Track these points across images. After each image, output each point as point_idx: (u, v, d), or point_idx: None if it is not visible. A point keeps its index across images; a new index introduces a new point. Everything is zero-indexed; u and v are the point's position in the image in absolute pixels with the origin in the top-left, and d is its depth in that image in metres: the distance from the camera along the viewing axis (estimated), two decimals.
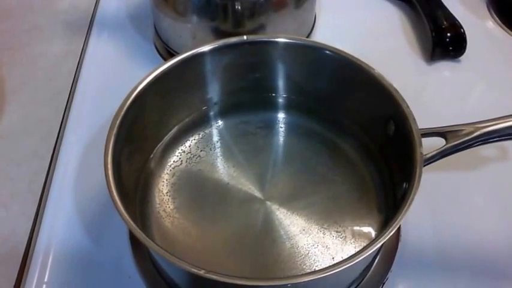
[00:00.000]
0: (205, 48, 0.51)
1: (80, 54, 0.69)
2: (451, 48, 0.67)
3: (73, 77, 0.66)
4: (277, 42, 0.52)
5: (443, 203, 0.54)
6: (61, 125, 0.61)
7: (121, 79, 0.63)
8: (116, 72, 0.67)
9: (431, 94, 0.65)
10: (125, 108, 0.45)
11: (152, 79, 0.48)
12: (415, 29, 0.73)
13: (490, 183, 0.56)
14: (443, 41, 0.67)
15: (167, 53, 0.67)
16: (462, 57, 0.68)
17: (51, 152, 0.58)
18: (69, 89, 0.65)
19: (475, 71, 0.67)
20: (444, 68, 0.68)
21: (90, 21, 0.74)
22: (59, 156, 0.57)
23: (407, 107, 0.45)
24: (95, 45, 0.70)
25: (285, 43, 0.52)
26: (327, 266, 0.36)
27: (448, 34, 0.67)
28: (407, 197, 0.39)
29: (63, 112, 0.62)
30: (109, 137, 0.43)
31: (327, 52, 0.51)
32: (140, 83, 0.47)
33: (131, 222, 0.38)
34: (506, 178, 0.56)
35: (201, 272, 0.35)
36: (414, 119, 0.44)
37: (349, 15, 0.75)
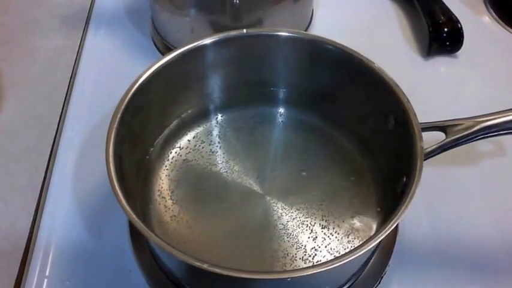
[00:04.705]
0: (206, 41, 0.51)
1: (77, 48, 0.69)
2: (448, 43, 0.68)
3: (71, 71, 0.66)
4: (277, 36, 0.52)
5: (440, 198, 0.54)
6: (59, 119, 0.61)
7: (119, 73, 0.64)
8: (114, 67, 0.66)
9: (428, 89, 0.65)
10: (126, 101, 0.45)
11: (152, 73, 0.48)
12: (412, 24, 0.73)
13: (486, 178, 0.56)
14: (441, 36, 0.67)
15: (165, 47, 0.67)
16: (459, 52, 0.68)
17: (50, 147, 0.58)
18: (67, 83, 0.65)
19: (472, 66, 0.68)
20: (441, 63, 0.68)
21: (88, 15, 0.73)
22: (58, 150, 0.57)
23: (408, 101, 0.45)
24: (93, 40, 0.70)
25: (286, 37, 0.52)
26: (326, 260, 0.37)
27: (445, 29, 0.67)
28: (408, 191, 0.39)
29: (61, 107, 0.62)
30: (110, 131, 0.43)
31: (328, 46, 0.51)
32: (140, 76, 0.47)
33: (133, 214, 0.38)
34: (503, 173, 0.57)
35: (205, 266, 0.35)
36: (415, 113, 0.44)
37: (345, 10, 0.75)
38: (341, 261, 0.36)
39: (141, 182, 0.50)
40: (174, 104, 0.54)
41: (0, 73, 0.65)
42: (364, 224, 0.49)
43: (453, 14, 0.68)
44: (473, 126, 0.44)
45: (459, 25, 0.67)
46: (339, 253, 0.47)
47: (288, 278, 0.37)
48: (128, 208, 0.39)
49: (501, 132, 0.45)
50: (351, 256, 0.36)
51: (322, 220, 0.49)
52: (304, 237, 0.48)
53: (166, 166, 0.52)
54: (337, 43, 0.50)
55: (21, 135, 0.59)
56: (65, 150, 0.57)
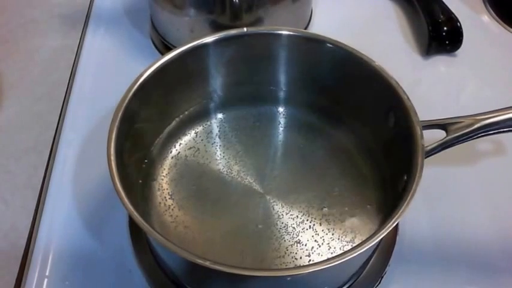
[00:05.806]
0: (206, 40, 0.50)
1: (76, 48, 0.69)
2: (447, 42, 0.68)
3: (70, 71, 0.66)
4: (277, 35, 0.52)
5: (439, 197, 0.54)
6: (59, 119, 0.61)
7: (118, 73, 0.64)
8: (113, 66, 0.66)
9: (428, 88, 0.65)
10: (127, 100, 0.45)
11: (153, 71, 0.48)
12: (411, 23, 0.73)
13: (486, 177, 0.56)
14: (440, 35, 0.67)
15: (164, 46, 0.67)
16: (458, 51, 0.68)
17: (49, 146, 0.58)
18: (67, 83, 0.65)
19: (471, 64, 0.68)
20: (440, 61, 0.68)
21: (87, 15, 0.73)
22: (58, 150, 0.57)
23: (408, 99, 0.45)
24: (92, 39, 0.70)
25: (286, 36, 0.51)
26: (325, 259, 0.36)
27: (445, 28, 0.67)
28: (409, 190, 0.39)
29: (61, 106, 0.62)
30: (112, 129, 0.43)
31: (328, 45, 0.50)
32: (141, 75, 0.47)
33: (134, 211, 0.39)
34: (502, 172, 0.57)
35: (207, 263, 0.35)
36: (415, 111, 0.44)
37: (345, 9, 0.75)
38: (342, 259, 0.36)
39: (142, 181, 0.50)
40: (174, 103, 0.54)
41: (0, 73, 0.65)
42: (364, 222, 0.48)
43: (452, 13, 0.68)
44: (473, 124, 0.44)
45: (458, 24, 0.67)
46: (339, 252, 0.47)
47: (289, 275, 0.36)
48: (129, 205, 0.39)
49: (501, 130, 0.45)
50: (352, 254, 0.36)
51: (322, 219, 0.49)
52: (304, 236, 0.48)
53: (166, 165, 0.52)
54: (338, 42, 0.50)
55: (21, 134, 0.59)
56: (64, 150, 0.57)
